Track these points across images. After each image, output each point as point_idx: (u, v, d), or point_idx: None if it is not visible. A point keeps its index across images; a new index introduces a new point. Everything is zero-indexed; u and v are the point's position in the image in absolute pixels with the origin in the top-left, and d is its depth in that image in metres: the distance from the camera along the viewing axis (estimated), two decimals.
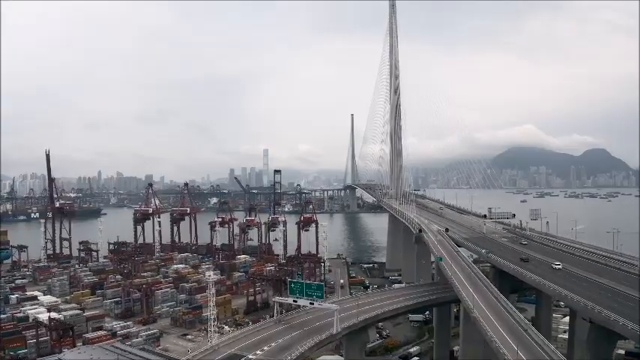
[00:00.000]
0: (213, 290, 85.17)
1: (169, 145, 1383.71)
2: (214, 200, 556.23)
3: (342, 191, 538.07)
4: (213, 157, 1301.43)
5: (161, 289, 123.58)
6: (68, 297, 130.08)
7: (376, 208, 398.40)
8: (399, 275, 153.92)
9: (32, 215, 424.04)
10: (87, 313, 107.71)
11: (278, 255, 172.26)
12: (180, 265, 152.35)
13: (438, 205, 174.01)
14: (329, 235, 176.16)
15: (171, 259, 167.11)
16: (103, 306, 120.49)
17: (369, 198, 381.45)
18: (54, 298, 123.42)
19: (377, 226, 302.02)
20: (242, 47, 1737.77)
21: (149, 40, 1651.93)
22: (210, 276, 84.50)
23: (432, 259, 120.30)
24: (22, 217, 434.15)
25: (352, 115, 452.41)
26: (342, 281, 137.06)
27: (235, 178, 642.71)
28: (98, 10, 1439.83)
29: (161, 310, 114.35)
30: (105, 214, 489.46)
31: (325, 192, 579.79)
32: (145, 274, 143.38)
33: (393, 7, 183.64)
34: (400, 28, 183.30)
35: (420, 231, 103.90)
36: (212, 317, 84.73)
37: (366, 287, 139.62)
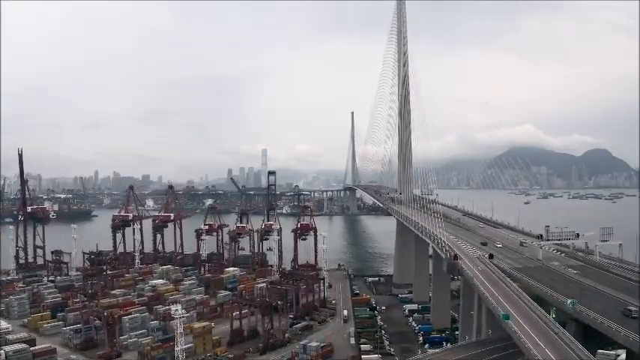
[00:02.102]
0: (180, 328, 66.53)
1: (169, 145, 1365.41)
2: (209, 202, 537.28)
3: (342, 192, 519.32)
4: (212, 157, 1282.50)
5: (131, 313, 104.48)
6: (27, 320, 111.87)
7: (377, 210, 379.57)
8: (410, 293, 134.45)
9: (19, 217, 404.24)
10: (37, 347, 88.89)
11: (272, 266, 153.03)
12: (160, 281, 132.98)
13: (473, 221, 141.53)
14: (328, 241, 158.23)
15: (151, 272, 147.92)
16: (61, 334, 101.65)
17: (369, 199, 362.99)
18: (4, 324, 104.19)
19: (379, 230, 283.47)
20: (242, 47, 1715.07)
21: (149, 40, 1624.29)
22: (177, 311, 65.60)
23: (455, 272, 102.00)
24: (8, 220, 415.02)
25: (352, 113, 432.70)
26: (345, 312, 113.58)
27: (231, 178, 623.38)
28: (98, 10, 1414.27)
29: (128, 341, 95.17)
30: (95, 216, 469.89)
31: (324, 193, 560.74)
32: (118, 291, 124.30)
33: None
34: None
35: (455, 257, 76.93)
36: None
37: (373, 309, 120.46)
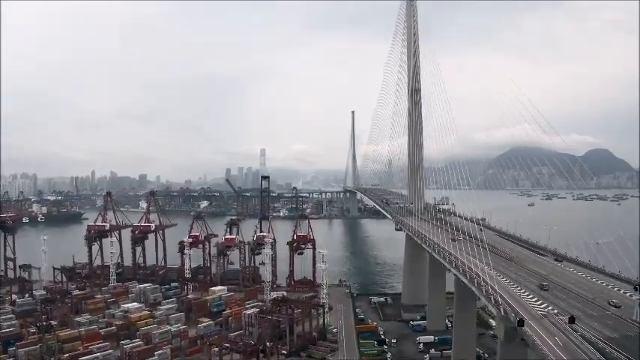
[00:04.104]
0: None
1: (168, 145, 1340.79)
2: (205, 204, 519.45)
3: (342, 194, 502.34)
4: (211, 157, 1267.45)
5: (92, 351, 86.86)
6: None
7: (378, 213, 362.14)
8: (423, 319, 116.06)
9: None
10: None
11: (264, 281, 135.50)
12: (133, 305, 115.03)
13: (510, 244, 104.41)
14: (327, 249, 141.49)
15: (127, 291, 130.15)
16: None
17: (369, 201, 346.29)
18: None
19: (381, 235, 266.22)
20: (242, 47, 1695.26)
21: (148, 39, 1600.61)
22: None
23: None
24: None
25: (353, 112, 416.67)
26: None
27: (227, 180, 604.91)
28: (96, 10, 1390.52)
29: None
30: (86, 219, 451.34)
31: (324, 194, 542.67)
32: (84, 318, 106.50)
33: None
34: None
35: (522, 323, 51.13)
36: None
37: (382, 341, 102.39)
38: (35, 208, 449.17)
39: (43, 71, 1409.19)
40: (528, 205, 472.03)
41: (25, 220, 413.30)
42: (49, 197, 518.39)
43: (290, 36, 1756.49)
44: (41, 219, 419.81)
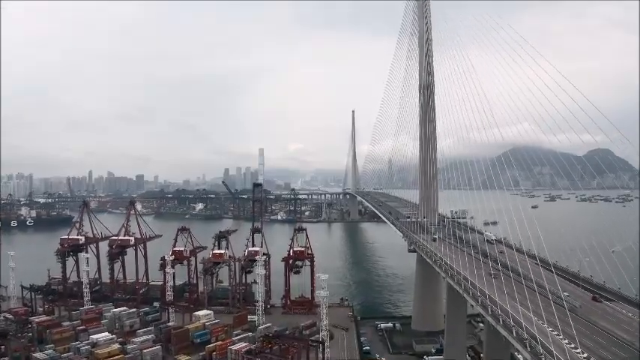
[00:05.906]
0: None
1: (167, 145, 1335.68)
2: (200, 206, 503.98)
3: (342, 195, 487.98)
4: (210, 157, 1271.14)
5: None
6: None
7: (379, 217, 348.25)
8: (439, 353, 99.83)
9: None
10: None
11: (257, 301, 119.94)
12: (102, 335, 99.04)
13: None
14: (327, 257, 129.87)
15: (100, 316, 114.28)
16: None
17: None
18: None
19: (384, 242, 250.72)
20: (241, 46, 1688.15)
21: (148, 39, 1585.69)
22: None
23: None
24: None
25: (353, 111, 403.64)
26: None
27: (223, 182, 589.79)
28: (98, 9, 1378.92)
29: None
30: (77, 222, 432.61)
31: (323, 196, 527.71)
32: (45, 353, 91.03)
33: None
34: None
35: None
36: None
37: None
38: (24, 211, 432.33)
39: (43, 71, 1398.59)
40: (532, 207, 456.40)
41: (14, 223, 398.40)
42: (39, 199, 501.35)
43: (290, 35, 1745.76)
44: (30, 223, 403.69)
